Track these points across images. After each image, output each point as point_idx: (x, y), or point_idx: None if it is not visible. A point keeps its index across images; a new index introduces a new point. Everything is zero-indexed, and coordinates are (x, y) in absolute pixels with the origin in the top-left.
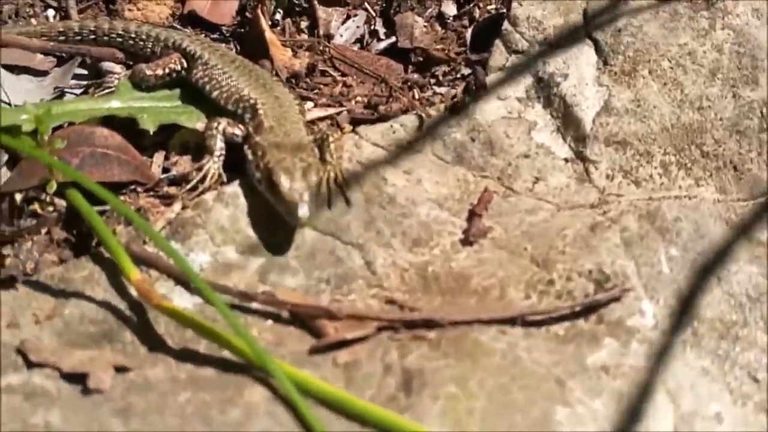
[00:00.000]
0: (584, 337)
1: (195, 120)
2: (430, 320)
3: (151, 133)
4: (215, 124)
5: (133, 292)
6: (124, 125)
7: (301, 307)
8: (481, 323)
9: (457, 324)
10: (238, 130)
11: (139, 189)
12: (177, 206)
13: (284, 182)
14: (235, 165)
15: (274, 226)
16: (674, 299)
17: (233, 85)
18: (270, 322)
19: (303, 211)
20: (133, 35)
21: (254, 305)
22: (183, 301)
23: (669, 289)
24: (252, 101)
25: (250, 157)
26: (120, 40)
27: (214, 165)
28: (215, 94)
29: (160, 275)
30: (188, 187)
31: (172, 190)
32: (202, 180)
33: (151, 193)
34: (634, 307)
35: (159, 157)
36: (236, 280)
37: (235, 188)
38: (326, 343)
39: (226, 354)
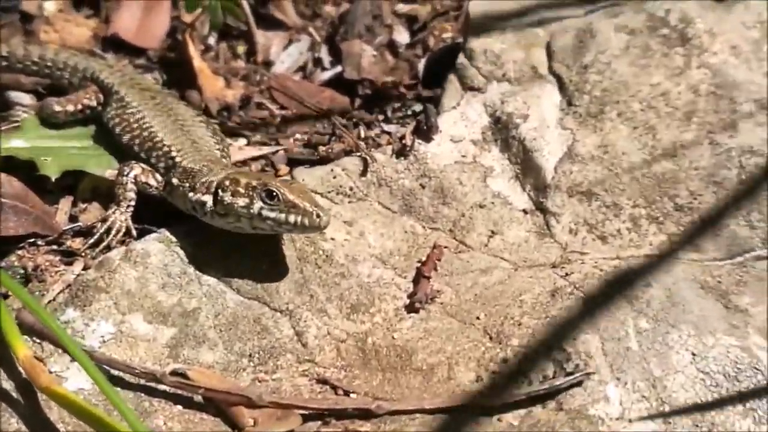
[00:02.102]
0: (540, 428)
1: (105, 166)
2: (365, 410)
3: (53, 180)
4: (127, 171)
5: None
6: (28, 165)
7: (217, 392)
8: (425, 413)
9: (397, 414)
10: (152, 180)
11: (40, 242)
12: (78, 266)
13: (290, 195)
14: (154, 216)
15: (193, 288)
16: (643, 381)
17: (146, 128)
18: (179, 407)
19: (326, 214)
20: (49, 63)
21: (162, 387)
22: (80, 380)
23: (637, 369)
24: (166, 149)
25: (205, 198)
26: (35, 68)
27: (120, 217)
28: (126, 138)
29: (56, 349)
30: (90, 241)
31: (77, 243)
32: (107, 233)
33: (54, 247)
34: (597, 392)
35: (66, 204)
36: (143, 355)
37: (145, 245)
38: None
39: None
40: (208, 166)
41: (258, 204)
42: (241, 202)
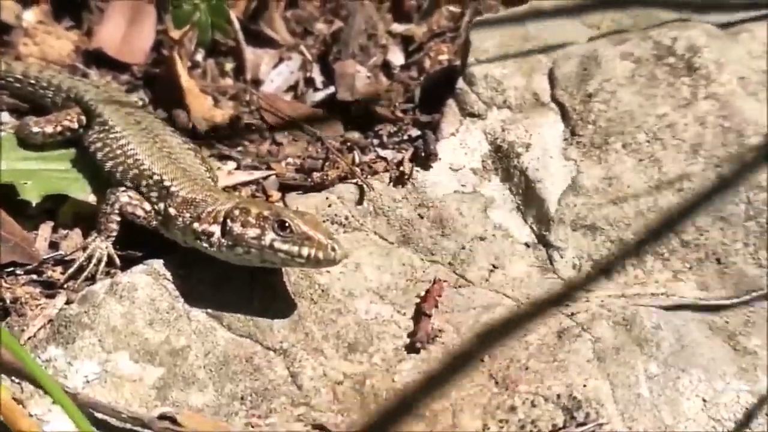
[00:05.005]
0: None
1: (88, 190)
2: None
3: (34, 204)
4: (113, 200)
5: None
6: (5, 188)
7: None
8: None
9: None
10: (140, 211)
11: (19, 271)
12: (60, 300)
13: (304, 226)
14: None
15: (182, 325)
16: (655, 430)
17: (130, 155)
18: None
19: (341, 247)
20: (32, 81)
21: None
22: (63, 424)
23: (649, 418)
24: (156, 177)
25: (212, 228)
26: (18, 85)
27: (101, 245)
28: (109, 164)
29: (36, 389)
30: (70, 271)
31: (58, 273)
32: (87, 262)
33: (34, 277)
34: None
35: (46, 229)
36: (129, 397)
37: (132, 278)
38: None
39: None
40: (211, 195)
41: (270, 235)
42: (252, 233)
